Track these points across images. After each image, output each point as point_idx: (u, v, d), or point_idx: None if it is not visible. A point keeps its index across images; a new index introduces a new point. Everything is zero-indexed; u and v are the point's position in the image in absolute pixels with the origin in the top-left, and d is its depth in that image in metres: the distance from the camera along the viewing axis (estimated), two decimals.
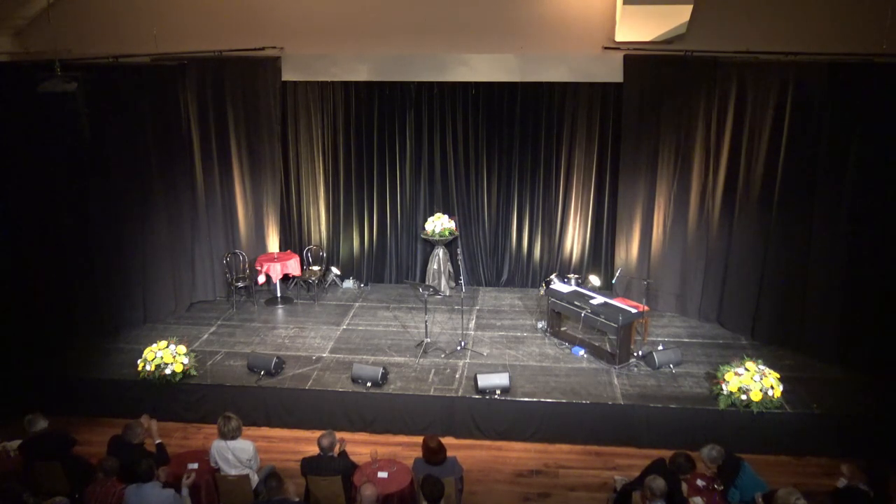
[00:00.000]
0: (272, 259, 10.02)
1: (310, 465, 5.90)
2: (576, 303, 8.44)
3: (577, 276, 9.87)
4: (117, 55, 8.68)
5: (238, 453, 5.99)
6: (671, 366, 8.04)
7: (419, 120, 10.16)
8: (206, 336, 9.07)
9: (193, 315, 9.73)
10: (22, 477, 5.95)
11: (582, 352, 8.47)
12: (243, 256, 10.15)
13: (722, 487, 5.71)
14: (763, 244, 8.56)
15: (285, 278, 10.30)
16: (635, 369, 8.08)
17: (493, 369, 7.91)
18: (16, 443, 6.32)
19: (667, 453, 5.79)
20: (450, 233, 10.13)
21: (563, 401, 7.45)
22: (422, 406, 7.63)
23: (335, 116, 10.24)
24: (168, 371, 7.72)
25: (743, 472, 5.66)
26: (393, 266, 10.88)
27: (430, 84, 9.90)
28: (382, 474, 5.91)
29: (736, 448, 6.59)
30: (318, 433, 6.10)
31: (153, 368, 7.75)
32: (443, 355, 8.45)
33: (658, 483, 5.10)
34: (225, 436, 6.01)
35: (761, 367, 7.34)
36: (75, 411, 7.72)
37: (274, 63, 9.54)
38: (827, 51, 7.63)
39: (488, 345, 8.75)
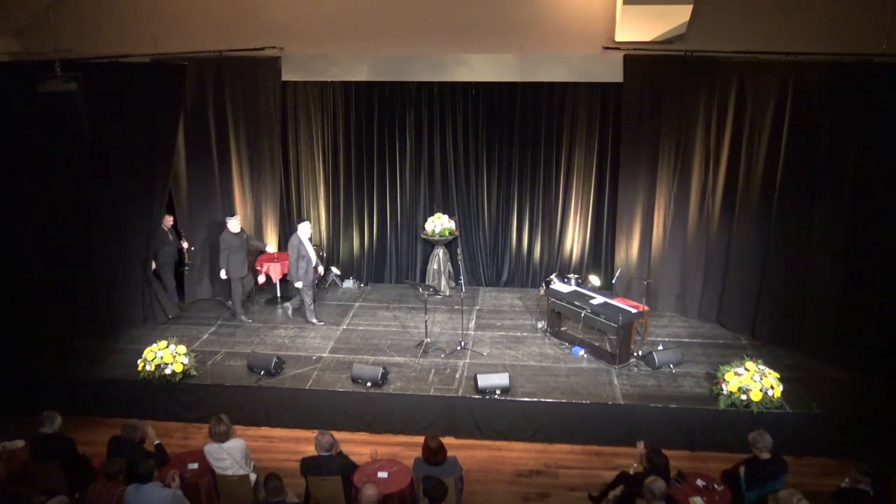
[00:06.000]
0: (272, 259, 10.01)
1: (309, 465, 5.89)
2: (576, 303, 8.44)
3: (577, 276, 9.86)
4: (117, 55, 8.69)
5: (233, 452, 5.98)
6: (671, 366, 8.04)
7: (419, 120, 10.15)
8: (206, 336, 9.06)
9: (193, 315, 9.73)
10: (23, 477, 5.94)
11: (582, 352, 8.47)
12: None
13: (722, 487, 5.71)
14: (763, 244, 8.56)
15: (285, 278, 10.29)
16: (635, 369, 8.08)
17: (493, 369, 7.91)
18: (16, 443, 6.32)
19: (667, 453, 5.77)
20: (450, 233, 10.12)
21: (563, 401, 7.45)
22: (422, 406, 7.63)
23: (335, 116, 10.23)
24: (168, 371, 7.73)
25: (782, 476, 5.65)
26: (393, 266, 10.88)
27: (430, 84, 9.89)
28: (382, 474, 5.91)
29: (736, 448, 6.63)
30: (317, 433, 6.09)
31: (153, 368, 7.75)
32: (443, 355, 8.45)
33: (658, 485, 5.10)
34: (219, 437, 5.99)
35: (761, 367, 7.33)
36: (75, 411, 7.70)
37: (274, 63, 9.54)
38: (827, 51, 7.63)
39: (488, 345, 8.75)
